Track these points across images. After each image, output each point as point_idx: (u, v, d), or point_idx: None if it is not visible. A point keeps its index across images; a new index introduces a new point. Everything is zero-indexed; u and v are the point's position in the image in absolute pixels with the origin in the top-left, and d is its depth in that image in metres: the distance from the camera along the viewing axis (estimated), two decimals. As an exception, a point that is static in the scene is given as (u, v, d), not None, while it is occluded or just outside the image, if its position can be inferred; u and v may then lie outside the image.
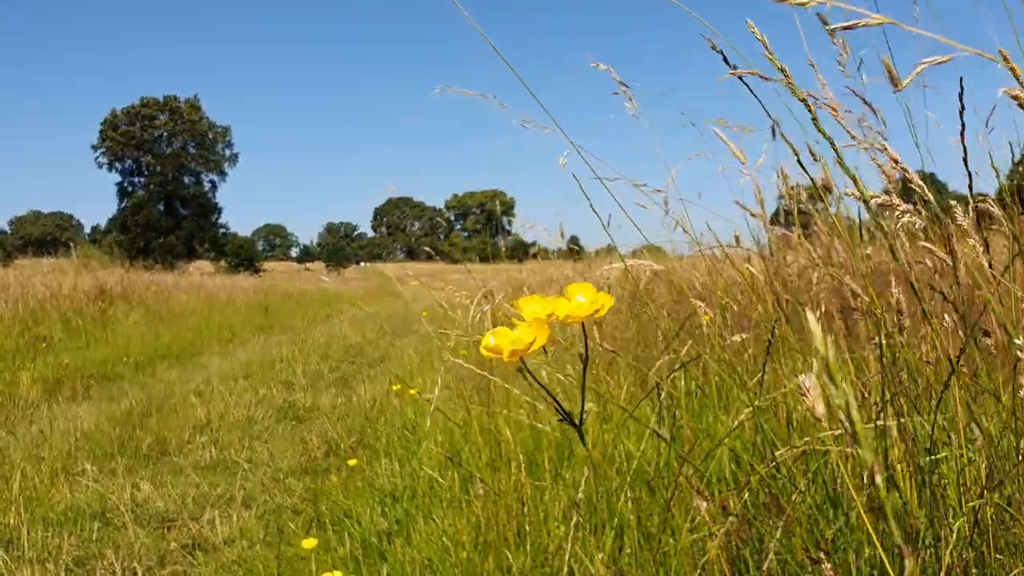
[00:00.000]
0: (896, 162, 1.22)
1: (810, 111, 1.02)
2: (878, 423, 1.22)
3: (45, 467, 3.69)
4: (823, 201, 1.87)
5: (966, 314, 1.24)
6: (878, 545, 0.93)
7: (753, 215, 1.89)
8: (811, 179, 1.37)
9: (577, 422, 0.73)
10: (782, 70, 1.04)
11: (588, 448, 0.74)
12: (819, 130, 1.05)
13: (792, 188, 2.00)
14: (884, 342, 1.24)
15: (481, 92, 1.53)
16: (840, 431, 1.13)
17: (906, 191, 1.37)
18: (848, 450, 1.23)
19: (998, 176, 1.35)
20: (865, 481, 1.19)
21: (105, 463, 3.89)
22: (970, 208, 1.25)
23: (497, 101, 1.51)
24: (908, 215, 1.17)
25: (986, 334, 1.32)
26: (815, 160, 1.27)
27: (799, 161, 1.28)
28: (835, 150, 1.06)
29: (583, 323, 0.70)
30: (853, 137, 1.24)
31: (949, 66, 1.08)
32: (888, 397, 1.17)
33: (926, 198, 1.22)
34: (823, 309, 2.07)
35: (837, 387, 0.30)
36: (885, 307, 1.34)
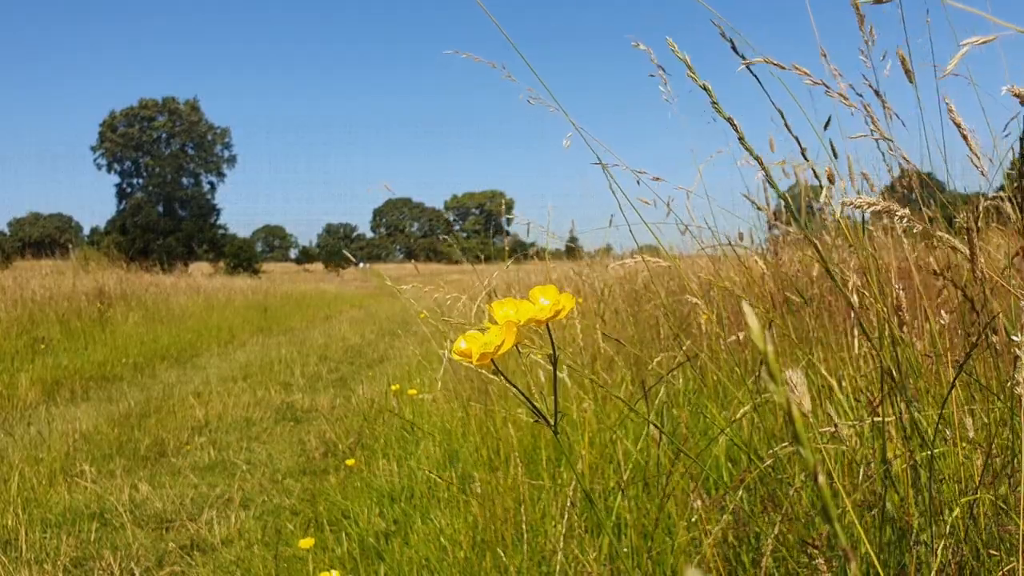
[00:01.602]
0: (907, 160, 1.22)
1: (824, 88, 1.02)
2: (875, 419, 1.22)
3: (43, 468, 3.69)
4: (823, 199, 1.87)
5: (976, 310, 1.24)
6: (845, 551, 0.93)
7: (759, 208, 1.89)
8: (815, 173, 1.37)
9: (552, 421, 0.73)
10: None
11: (562, 444, 0.74)
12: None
13: (796, 185, 2.00)
14: (884, 338, 1.24)
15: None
16: (833, 428, 1.13)
17: (907, 186, 1.37)
18: (842, 448, 1.23)
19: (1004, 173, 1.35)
20: (860, 479, 1.18)
21: (104, 464, 3.89)
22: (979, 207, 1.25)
23: (506, 72, 1.51)
24: (906, 220, 1.17)
25: (993, 331, 1.32)
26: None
27: (803, 155, 1.28)
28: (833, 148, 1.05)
29: (548, 325, 0.71)
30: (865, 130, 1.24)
31: (963, 65, 1.08)
32: (885, 392, 1.17)
33: (933, 195, 1.22)
34: (826, 305, 2.07)
35: (777, 384, 0.29)
36: (885, 303, 1.34)
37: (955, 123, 1.10)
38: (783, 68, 1.08)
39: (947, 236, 1.23)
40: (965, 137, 1.15)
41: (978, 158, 1.18)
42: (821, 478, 0.30)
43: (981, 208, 1.30)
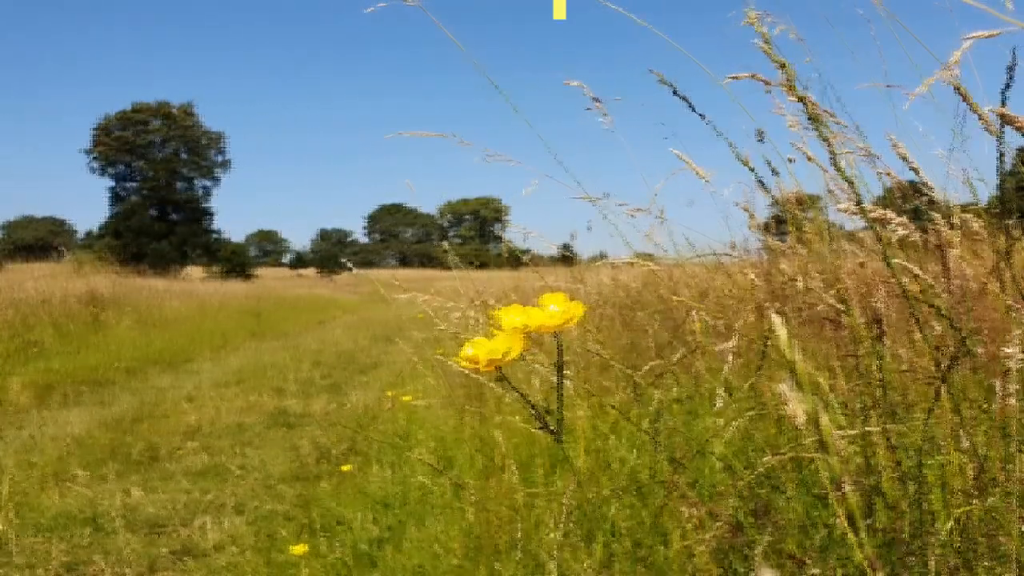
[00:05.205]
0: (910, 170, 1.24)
1: (807, 105, 1.04)
2: (864, 429, 1.23)
3: (36, 472, 3.68)
4: (810, 209, 1.89)
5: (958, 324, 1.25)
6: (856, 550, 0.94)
7: (752, 217, 1.92)
8: (771, 196, 1.39)
9: (554, 428, 0.74)
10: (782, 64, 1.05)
11: (563, 450, 0.75)
12: (819, 129, 1.06)
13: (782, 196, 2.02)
14: (863, 351, 1.25)
15: (444, 131, 1.58)
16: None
17: (890, 201, 1.39)
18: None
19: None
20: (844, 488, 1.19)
21: (96, 469, 3.88)
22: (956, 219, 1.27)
23: (457, 139, 1.54)
24: (902, 228, 1.19)
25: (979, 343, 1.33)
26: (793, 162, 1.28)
27: (772, 169, 1.30)
28: (831, 150, 1.07)
29: (556, 333, 0.71)
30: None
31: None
32: (868, 405, 1.19)
33: (932, 199, 1.24)
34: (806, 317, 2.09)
35: (804, 392, 0.31)
36: (866, 317, 1.35)
37: (901, 157, 1.13)
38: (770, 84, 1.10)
39: (905, 265, 1.25)
40: (916, 170, 1.18)
41: (931, 188, 1.22)
42: (847, 487, 0.32)
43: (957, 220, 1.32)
